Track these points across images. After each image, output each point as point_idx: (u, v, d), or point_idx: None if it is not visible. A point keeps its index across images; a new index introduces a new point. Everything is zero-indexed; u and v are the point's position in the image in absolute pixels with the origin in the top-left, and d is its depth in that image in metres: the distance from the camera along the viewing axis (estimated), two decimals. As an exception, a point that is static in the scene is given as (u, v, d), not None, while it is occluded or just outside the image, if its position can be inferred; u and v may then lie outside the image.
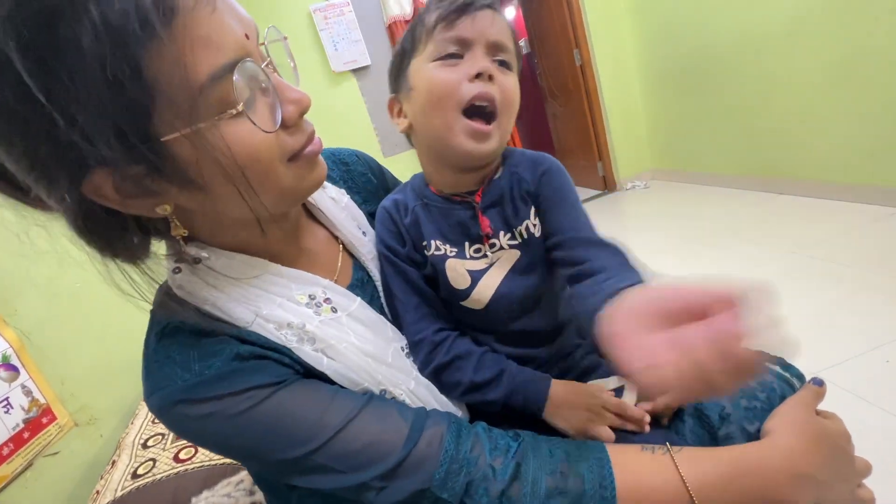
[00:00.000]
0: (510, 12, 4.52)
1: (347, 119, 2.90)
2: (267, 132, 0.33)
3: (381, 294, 0.53)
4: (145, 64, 0.27)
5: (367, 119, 2.97)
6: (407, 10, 2.80)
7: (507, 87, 0.46)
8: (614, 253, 0.45)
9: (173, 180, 0.32)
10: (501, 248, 0.51)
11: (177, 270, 0.39)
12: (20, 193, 0.33)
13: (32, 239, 0.34)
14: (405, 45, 0.50)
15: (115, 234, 0.35)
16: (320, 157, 0.40)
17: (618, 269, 0.42)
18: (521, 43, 4.28)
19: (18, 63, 0.25)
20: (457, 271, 0.50)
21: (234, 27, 0.31)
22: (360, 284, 0.51)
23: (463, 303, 0.52)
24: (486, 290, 0.50)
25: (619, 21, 3.02)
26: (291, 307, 0.40)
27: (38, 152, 0.29)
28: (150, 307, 0.40)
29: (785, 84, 2.08)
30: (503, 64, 0.47)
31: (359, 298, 0.46)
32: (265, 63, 0.35)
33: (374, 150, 3.01)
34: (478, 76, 0.45)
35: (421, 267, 0.53)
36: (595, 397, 0.47)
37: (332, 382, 0.40)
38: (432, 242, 0.51)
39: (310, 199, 0.50)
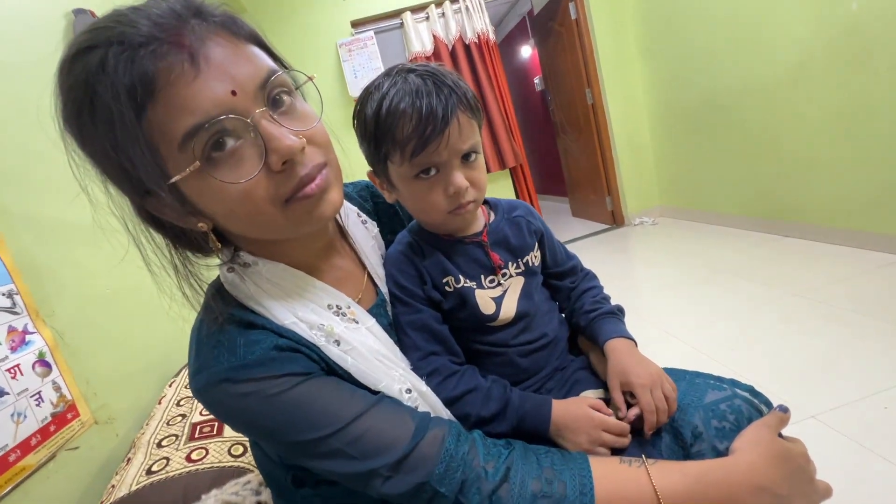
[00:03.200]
0: (527, 51, 4.71)
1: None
2: (235, 183, 0.37)
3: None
4: (144, 127, 0.35)
5: (384, 146, 3.10)
6: (427, 46, 2.96)
7: (476, 178, 0.54)
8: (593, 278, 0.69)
9: (191, 210, 0.41)
10: (510, 276, 0.60)
11: (230, 270, 0.46)
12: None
13: (73, 248, 0.41)
14: (377, 143, 0.53)
15: (178, 233, 0.45)
16: (328, 194, 0.43)
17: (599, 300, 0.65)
18: (536, 80, 4.45)
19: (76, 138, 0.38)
20: (484, 299, 0.58)
21: (216, 89, 0.35)
22: (380, 308, 0.56)
23: (490, 323, 0.59)
24: (508, 310, 0.59)
25: (630, 64, 3.14)
26: (321, 312, 0.46)
27: (119, 182, 0.39)
28: (184, 307, 0.46)
29: (790, 130, 2.15)
30: (469, 157, 0.53)
31: (373, 320, 0.51)
32: (260, 110, 0.38)
33: (389, 176, 3.11)
34: (454, 193, 0.52)
35: (441, 303, 0.58)
36: (595, 424, 0.51)
37: (352, 381, 0.45)
38: (459, 278, 0.58)
39: (345, 226, 0.57)
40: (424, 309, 0.56)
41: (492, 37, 3.03)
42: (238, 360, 0.40)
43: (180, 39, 0.34)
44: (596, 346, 0.63)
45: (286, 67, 0.43)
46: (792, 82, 2.05)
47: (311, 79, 0.44)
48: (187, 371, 0.44)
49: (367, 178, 0.64)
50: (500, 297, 0.59)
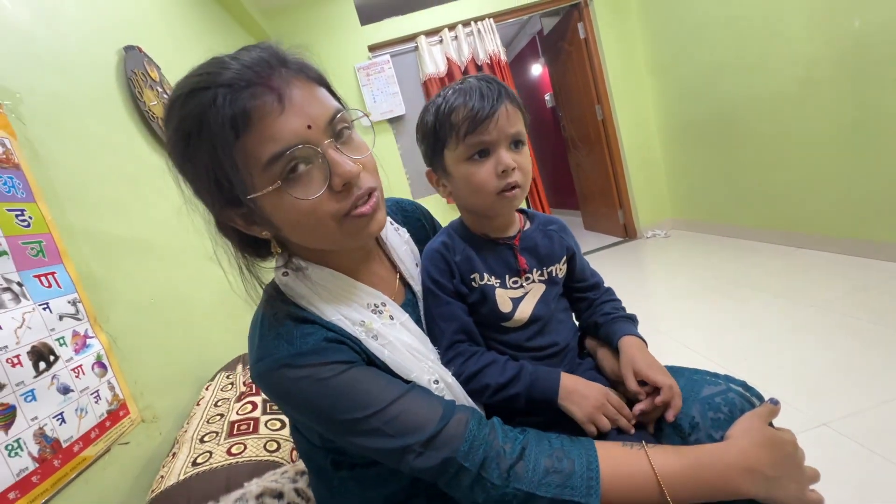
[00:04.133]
0: (537, 69, 4.83)
1: (382, 164, 3.13)
2: (305, 199, 0.45)
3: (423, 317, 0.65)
4: (238, 151, 0.43)
5: (401, 164, 3.21)
6: (441, 68, 3.08)
7: (523, 164, 0.61)
8: (613, 293, 0.76)
9: (264, 221, 0.49)
10: (533, 281, 0.66)
11: (285, 274, 0.54)
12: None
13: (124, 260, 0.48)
14: (437, 134, 0.63)
15: (247, 240, 0.54)
16: (377, 214, 0.51)
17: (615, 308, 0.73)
18: (547, 97, 4.55)
19: (179, 156, 0.47)
20: (503, 298, 0.64)
21: (295, 123, 0.44)
22: (411, 305, 0.64)
23: (504, 323, 0.65)
24: (524, 312, 0.65)
25: (639, 80, 3.21)
26: (362, 311, 0.54)
27: (208, 195, 0.48)
28: (243, 298, 0.55)
29: (799, 142, 2.18)
30: (518, 143, 0.61)
31: (407, 314, 0.59)
32: (328, 141, 0.46)
33: (405, 192, 3.22)
34: (503, 171, 0.59)
35: (466, 297, 0.64)
36: (602, 391, 0.59)
37: (388, 371, 0.52)
38: (484, 275, 0.64)
39: (382, 236, 0.65)
40: (453, 301, 0.63)
41: (503, 57, 3.14)
42: (295, 349, 0.47)
43: (271, 83, 0.44)
44: (604, 345, 0.69)
45: (343, 105, 0.52)
46: (799, 96, 2.10)
47: (365, 115, 0.54)
48: (249, 359, 0.51)
49: (395, 197, 0.72)
50: (519, 298, 0.65)
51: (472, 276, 0.64)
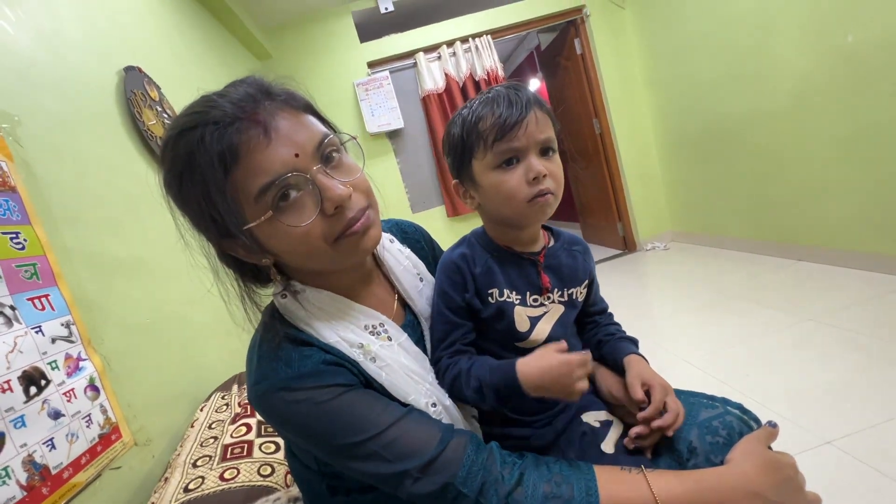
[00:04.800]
0: (535, 84, 4.88)
1: (381, 177, 3.16)
2: (297, 226, 0.46)
3: (426, 337, 0.64)
4: (229, 186, 0.44)
5: (399, 178, 3.23)
6: (440, 84, 3.12)
7: (555, 171, 0.59)
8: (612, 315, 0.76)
9: (262, 249, 0.49)
10: (554, 301, 0.65)
11: (283, 296, 0.54)
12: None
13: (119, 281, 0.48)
14: (464, 144, 0.61)
15: (247, 268, 0.55)
16: (370, 230, 0.51)
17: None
18: (545, 111, 4.58)
19: (175, 196, 0.48)
20: (521, 316, 0.63)
21: (283, 153, 0.45)
22: (411, 326, 0.63)
23: (519, 344, 0.63)
24: (541, 333, 0.63)
25: (636, 94, 3.25)
26: (359, 332, 0.54)
27: (206, 228, 0.49)
28: (242, 325, 0.55)
29: (795, 155, 2.19)
30: (549, 151, 0.59)
31: (405, 334, 0.58)
32: (317, 167, 0.47)
33: (403, 206, 3.23)
34: (534, 178, 0.57)
35: (478, 312, 0.62)
36: (560, 364, 0.52)
37: (386, 394, 0.51)
38: (504, 290, 0.62)
39: (380, 257, 0.65)
40: (458, 322, 0.61)
41: (500, 73, 3.17)
42: (294, 372, 0.47)
43: (256, 116, 0.44)
44: (602, 366, 0.68)
45: (333, 129, 0.53)
46: (795, 109, 2.11)
47: (353, 138, 0.54)
48: (246, 381, 0.51)
49: (395, 219, 0.72)
50: (538, 317, 0.63)
51: (490, 291, 0.62)
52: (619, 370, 0.65)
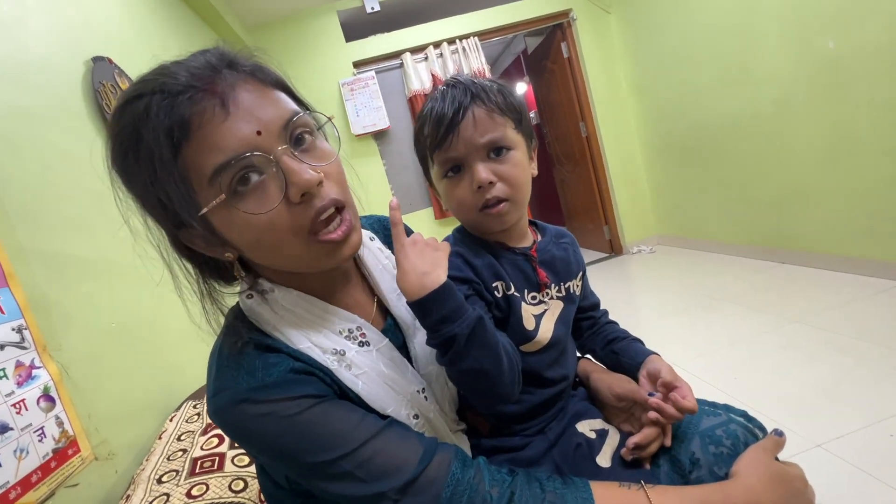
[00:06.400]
0: (521, 87, 4.89)
1: (367, 179, 3.10)
2: (257, 213, 0.40)
3: (409, 344, 0.57)
4: (178, 165, 0.39)
5: (385, 179, 3.18)
6: (427, 84, 3.08)
7: (505, 173, 0.54)
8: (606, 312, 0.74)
9: (219, 241, 0.44)
10: (552, 297, 0.60)
11: (249, 296, 0.48)
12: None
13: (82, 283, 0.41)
14: (418, 152, 0.60)
15: (206, 262, 0.49)
16: (351, 237, 0.46)
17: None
18: (532, 115, 4.60)
19: (120, 174, 0.42)
20: (527, 313, 0.58)
21: (243, 129, 0.39)
22: (391, 331, 0.56)
23: (525, 346, 0.58)
24: (546, 332, 0.59)
25: (622, 99, 3.27)
26: (334, 337, 0.48)
27: (156, 215, 0.43)
28: (206, 330, 0.49)
29: (777, 160, 2.22)
30: (499, 152, 0.54)
31: (387, 339, 0.53)
32: (282, 147, 0.41)
33: (389, 208, 3.18)
34: (479, 188, 0.53)
35: (489, 306, 0.56)
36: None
37: (363, 405, 0.46)
38: (510, 284, 0.57)
39: (359, 256, 0.58)
40: (477, 302, 0.55)
41: (488, 74, 3.16)
42: (257, 382, 0.41)
43: (213, 87, 0.39)
44: (599, 364, 0.67)
45: (309, 110, 0.47)
46: (777, 115, 2.14)
47: (330, 119, 0.48)
48: (206, 393, 0.45)
49: (378, 215, 0.67)
50: (540, 315, 0.59)
51: (495, 284, 0.57)
52: (633, 371, 0.62)
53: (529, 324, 0.57)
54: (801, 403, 1.27)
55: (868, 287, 1.84)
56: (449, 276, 0.51)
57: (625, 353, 0.64)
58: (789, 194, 2.21)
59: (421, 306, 0.46)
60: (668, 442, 0.53)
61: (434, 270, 0.47)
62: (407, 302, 0.48)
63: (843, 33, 1.77)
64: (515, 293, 0.57)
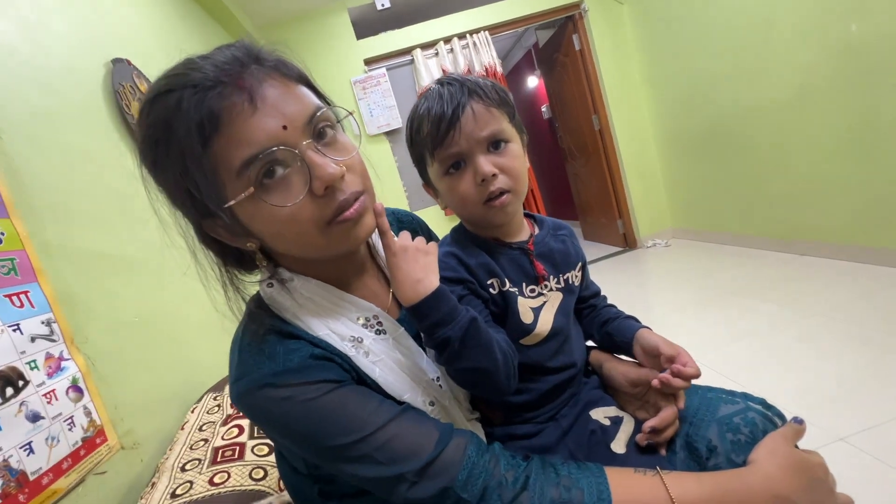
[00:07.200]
0: (533, 81, 4.85)
1: (380, 177, 3.12)
2: (283, 206, 0.41)
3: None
4: (208, 157, 0.40)
5: (398, 177, 3.19)
6: (437, 81, 3.08)
7: (508, 166, 0.56)
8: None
9: (242, 231, 0.45)
10: (551, 289, 0.61)
11: (270, 285, 0.49)
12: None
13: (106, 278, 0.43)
14: (415, 153, 0.60)
15: (229, 251, 0.50)
16: (364, 217, 0.47)
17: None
18: (543, 108, 4.56)
19: (150, 166, 0.44)
20: (524, 308, 0.59)
21: (269, 124, 0.40)
22: (406, 321, 0.57)
23: (523, 340, 0.59)
24: (545, 324, 0.59)
25: (635, 91, 3.22)
26: (351, 325, 0.50)
27: (183, 206, 0.45)
28: (228, 317, 0.51)
29: (796, 150, 2.16)
30: (498, 145, 0.56)
31: (402, 328, 0.54)
32: (307, 141, 0.42)
33: (403, 205, 3.19)
34: (482, 181, 0.54)
35: (485, 303, 0.58)
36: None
37: (380, 391, 0.47)
38: (506, 280, 0.59)
39: (374, 246, 0.61)
40: (472, 301, 0.56)
41: (499, 69, 3.14)
42: (278, 367, 0.43)
43: (241, 82, 0.40)
44: (609, 355, 0.67)
45: (329, 104, 0.48)
46: (797, 103, 2.08)
47: (350, 114, 0.49)
48: (228, 379, 0.47)
49: (391, 207, 0.68)
50: (539, 308, 0.60)
51: (490, 282, 0.58)
52: (627, 348, 0.63)
53: (527, 318, 0.59)
54: (823, 397, 1.24)
55: (889, 278, 1.79)
56: (444, 277, 0.54)
57: (617, 332, 0.65)
58: (809, 185, 2.16)
59: (416, 311, 0.48)
60: (681, 404, 0.54)
61: (427, 276, 0.49)
62: (403, 307, 0.49)
63: (865, 16, 1.72)
64: (511, 289, 0.59)
